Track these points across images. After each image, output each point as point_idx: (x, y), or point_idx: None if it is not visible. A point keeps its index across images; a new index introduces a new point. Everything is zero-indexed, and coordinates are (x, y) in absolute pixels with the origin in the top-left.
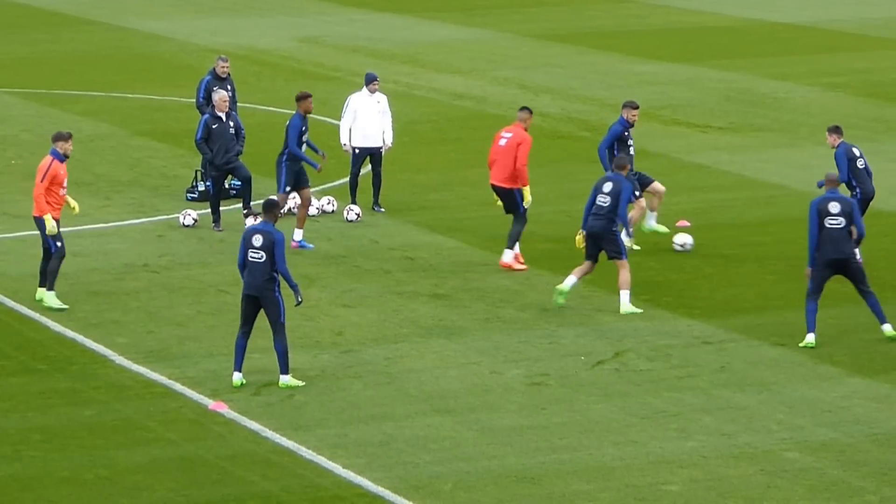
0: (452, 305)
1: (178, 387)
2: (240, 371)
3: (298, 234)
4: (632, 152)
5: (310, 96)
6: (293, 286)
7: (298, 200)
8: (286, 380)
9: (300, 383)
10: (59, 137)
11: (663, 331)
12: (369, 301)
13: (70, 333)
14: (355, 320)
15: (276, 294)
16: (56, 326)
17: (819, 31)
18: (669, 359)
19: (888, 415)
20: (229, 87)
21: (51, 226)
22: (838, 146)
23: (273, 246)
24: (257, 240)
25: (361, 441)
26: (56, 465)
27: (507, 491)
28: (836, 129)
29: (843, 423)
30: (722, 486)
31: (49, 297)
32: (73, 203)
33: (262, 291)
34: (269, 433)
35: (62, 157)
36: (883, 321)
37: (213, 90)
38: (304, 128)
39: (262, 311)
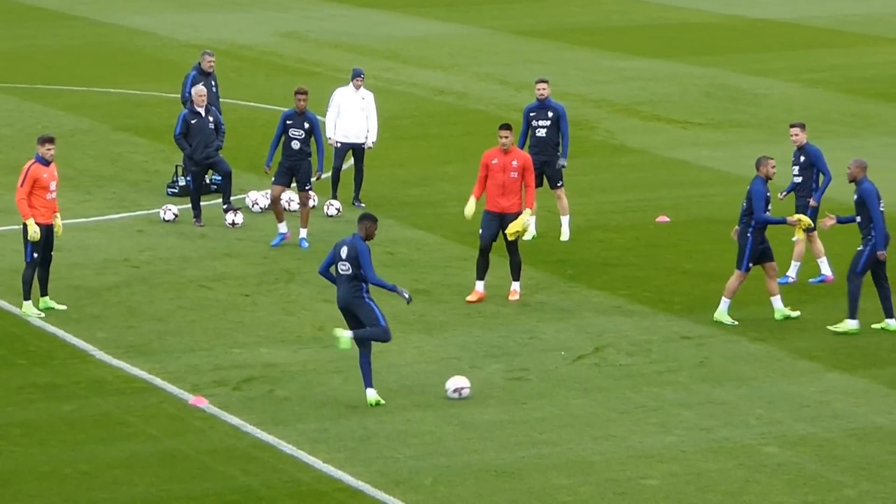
0: (433, 300)
1: (158, 382)
2: (371, 387)
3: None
4: (538, 133)
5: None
6: (391, 289)
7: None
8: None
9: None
10: (38, 140)
11: (643, 326)
12: None
13: (50, 328)
14: (336, 315)
15: (367, 300)
16: (36, 321)
17: (798, 28)
18: (649, 354)
19: (866, 409)
20: (213, 83)
21: (32, 230)
22: (807, 144)
23: (357, 256)
24: (344, 251)
25: (342, 436)
26: (36, 459)
27: (487, 485)
28: (804, 127)
29: (822, 417)
30: (701, 480)
31: (27, 307)
32: (58, 223)
33: (351, 301)
34: (249, 428)
35: (44, 161)
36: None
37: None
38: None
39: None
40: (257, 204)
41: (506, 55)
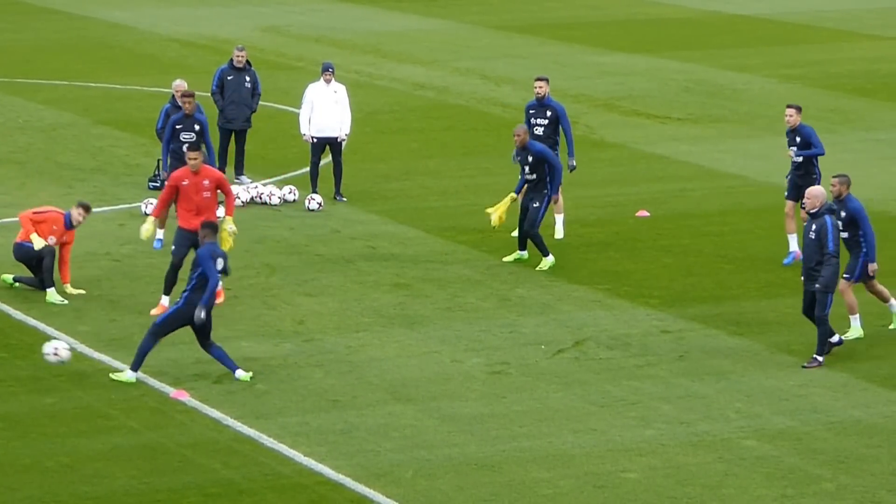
0: (414, 294)
1: (139, 375)
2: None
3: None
4: (536, 132)
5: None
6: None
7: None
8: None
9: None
10: (81, 205)
11: (622, 320)
12: (331, 290)
13: (32, 321)
14: (317, 309)
15: None
16: (17, 314)
17: (776, 23)
18: (628, 348)
19: (844, 403)
20: (246, 78)
21: (40, 244)
22: (801, 124)
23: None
24: (220, 263)
25: (323, 429)
26: (17, 452)
27: (467, 478)
28: (799, 109)
29: (801, 411)
30: (680, 473)
31: (51, 294)
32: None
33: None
34: (230, 421)
35: (70, 225)
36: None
37: (176, 80)
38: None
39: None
40: (238, 198)
41: (486, 50)
